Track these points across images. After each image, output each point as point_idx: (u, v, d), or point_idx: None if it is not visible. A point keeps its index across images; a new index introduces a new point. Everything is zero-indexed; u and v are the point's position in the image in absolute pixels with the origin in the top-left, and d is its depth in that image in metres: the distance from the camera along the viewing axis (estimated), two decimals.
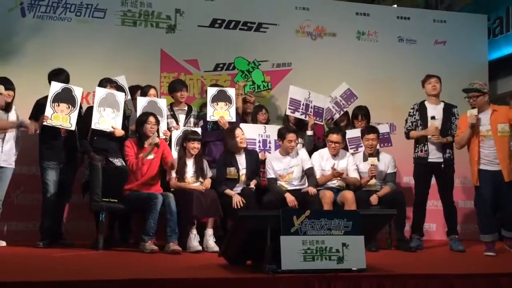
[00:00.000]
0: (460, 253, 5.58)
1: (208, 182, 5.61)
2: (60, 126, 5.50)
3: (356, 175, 5.98)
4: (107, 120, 5.64)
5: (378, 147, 6.17)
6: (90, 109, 5.75)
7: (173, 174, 5.59)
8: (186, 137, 5.65)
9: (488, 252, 5.30)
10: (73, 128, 5.55)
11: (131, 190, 5.39)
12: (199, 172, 5.63)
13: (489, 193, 5.33)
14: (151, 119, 5.49)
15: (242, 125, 6.08)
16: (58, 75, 5.64)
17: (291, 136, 5.79)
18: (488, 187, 5.33)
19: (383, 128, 6.47)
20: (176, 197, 5.37)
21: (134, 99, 6.04)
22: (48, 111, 5.41)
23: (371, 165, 5.84)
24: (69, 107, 5.51)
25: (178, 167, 5.58)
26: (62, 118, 5.47)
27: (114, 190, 5.41)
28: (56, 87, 5.47)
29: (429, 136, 5.78)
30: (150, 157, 5.41)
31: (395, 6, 9.62)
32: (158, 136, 5.53)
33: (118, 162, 5.68)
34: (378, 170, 5.92)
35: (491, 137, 5.34)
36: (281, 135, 5.85)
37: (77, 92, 5.57)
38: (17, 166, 5.56)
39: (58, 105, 5.46)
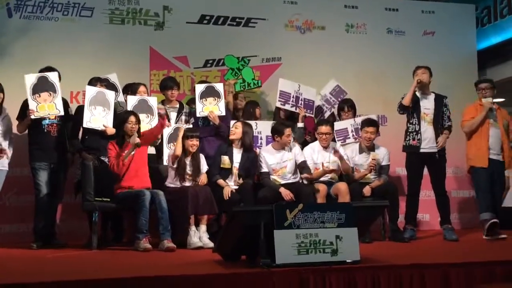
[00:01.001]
0: (453, 242, 5.60)
1: (204, 178, 5.60)
2: (48, 115, 5.46)
3: (349, 163, 5.99)
4: (98, 118, 5.62)
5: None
6: (80, 108, 5.72)
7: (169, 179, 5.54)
8: (184, 135, 5.58)
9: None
10: (62, 113, 5.50)
11: (120, 188, 5.36)
12: (196, 171, 5.56)
13: (488, 177, 5.75)
14: (132, 118, 5.41)
15: (233, 122, 6.08)
16: (49, 71, 5.58)
17: (289, 130, 5.81)
18: (488, 171, 5.74)
19: None
20: (171, 196, 5.35)
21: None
22: (32, 104, 5.38)
23: (372, 159, 5.85)
24: (50, 94, 5.45)
25: (178, 168, 5.51)
26: (47, 106, 5.43)
27: (107, 189, 5.39)
28: (31, 79, 5.42)
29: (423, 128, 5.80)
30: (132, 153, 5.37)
31: None
32: (139, 136, 5.47)
33: None
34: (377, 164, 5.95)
35: (498, 127, 5.79)
36: (279, 131, 5.82)
37: (53, 77, 5.51)
38: (9, 168, 5.52)
39: (39, 96, 5.42)
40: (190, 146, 5.54)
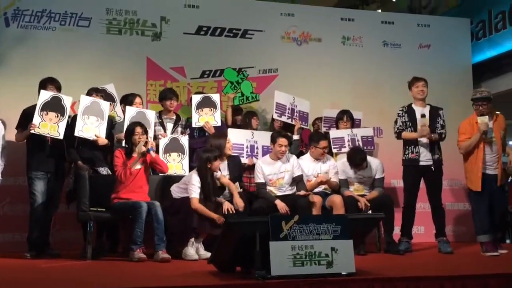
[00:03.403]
0: (448, 255, 5.60)
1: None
2: (47, 135, 5.45)
3: (336, 180, 6.01)
4: (90, 128, 5.60)
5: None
6: (76, 118, 5.71)
7: (194, 195, 5.31)
8: (212, 157, 5.38)
9: (490, 252, 5.38)
10: (61, 137, 5.49)
11: (117, 199, 5.35)
12: (215, 191, 5.49)
13: (488, 196, 5.51)
14: (138, 129, 5.44)
15: (229, 130, 6.09)
16: (52, 82, 5.60)
17: (282, 140, 5.80)
18: (487, 190, 5.51)
19: (367, 132, 6.51)
20: (175, 207, 5.33)
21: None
22: (36, 119, 5.37)
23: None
24: (57, 116, 5.46)
25: (204, 189, 5.35)
26: (50, 126, 5.42)
27: (101, 199, 5.38)
28: (46, 95, 5.43)
29: (420, 139, 5.79)
30: (138, 167, 5.39)
31: (379, 11, 9.69)
32: (146, 145, 5.47)
33: (104, 171, 5.67)
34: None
35: (495, 142, 5.56)
36: (273, 138, 5.87)
37: (67, 101, 5.52)
38: (3, 177, 5.49)
39: (47, 114, 5.42)
40: (216, 168, 5.46)
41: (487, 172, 5.54)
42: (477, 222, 5.61)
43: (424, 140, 5.79)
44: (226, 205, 5.44)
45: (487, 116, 5.52)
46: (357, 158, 5.88)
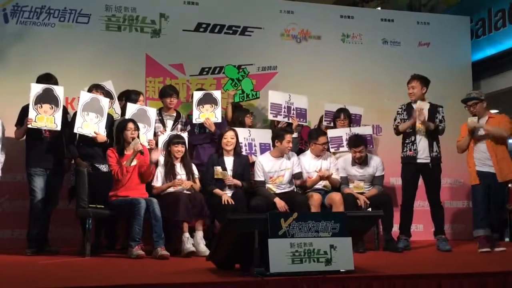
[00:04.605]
0: (447, 253, 5.62)
1: (188, 184, 5.56)
2: (45, 128, 5.44)
3: (337, 177, 6.02)
4: (90, 124, 5.58)
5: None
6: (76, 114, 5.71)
7: (157, 183, 5.57)
8: (171, 141, 5.66)
9: (483, 248, 5.45)
10: (58, 128, 5.47)
11: (115, 196, 5.35)
12: (190, 173, 5.62)
13: (483, 192, 5.62)
14: (130, 125, 5.43)
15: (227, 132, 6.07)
16: (47, 79, 5.58)
17: (289, 136, 5.80)
18: (482, 186, 5.62)
19: (366, 130, 6.49)
20: (163, 201, 5.35)
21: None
22: (32, 113, 5.35)
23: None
24: (52, 107, 5.43)
25: (165, 171, 5.58)
26: (46, 119, 5.40)
27: (101, 196, 5.39)
28: (37, 88, 5.39)
29: (418, 136, 5.81)
30: (133, 163, 5.38)
31: (379, 8, 9.68)
32: (138, 137, 5.46)
33: (104, 168, 5.65)
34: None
35: (483, 141, 5.66)
36: (279, 136, 5.82)
37: (59, 91, 5.49)
38: (2, 173, 5.49)
39: (41, 107, 5.39)
40: (175, 152, 5.60)
41: (480, 170, 5.65)
42: (474, 217, 5.74)
43: (423, 137, 5.80)
44: (225, 197, 5.50)
45: (476, 117, 5.63)
46: (357, 139, 5.92)
